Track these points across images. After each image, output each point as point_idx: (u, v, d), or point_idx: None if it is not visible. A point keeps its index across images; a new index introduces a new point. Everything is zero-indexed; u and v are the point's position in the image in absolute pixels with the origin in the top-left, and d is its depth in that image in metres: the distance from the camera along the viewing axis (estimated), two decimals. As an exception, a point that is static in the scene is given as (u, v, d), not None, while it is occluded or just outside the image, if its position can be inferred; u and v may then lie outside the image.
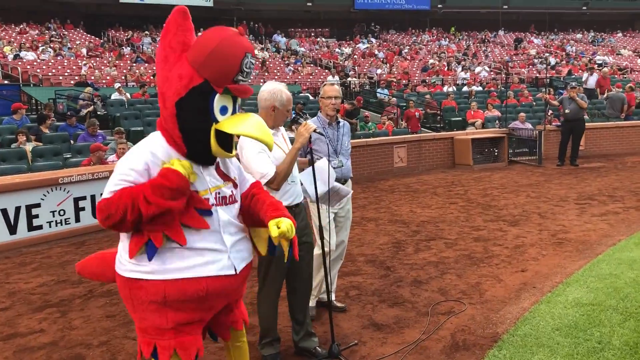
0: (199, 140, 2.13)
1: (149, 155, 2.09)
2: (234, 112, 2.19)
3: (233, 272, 2.26)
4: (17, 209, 6.77)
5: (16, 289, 5.24)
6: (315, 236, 3.84)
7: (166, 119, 2.14)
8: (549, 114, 15.23)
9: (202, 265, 2.16)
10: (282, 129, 3.54)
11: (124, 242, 2.21)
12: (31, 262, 6.14)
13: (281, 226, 2.24)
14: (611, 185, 9.79)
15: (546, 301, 4.41)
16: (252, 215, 2.40)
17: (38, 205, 6.95)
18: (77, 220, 7.34)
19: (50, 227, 7.06)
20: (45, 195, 7.01)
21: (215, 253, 2.22)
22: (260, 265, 3.45)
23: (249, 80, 2.19)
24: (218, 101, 2.10)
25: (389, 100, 19.06)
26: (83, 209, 7.39)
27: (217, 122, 2.12)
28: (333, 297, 4.46)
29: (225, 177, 2.32)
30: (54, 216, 7.10)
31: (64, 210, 7.19)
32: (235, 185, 2.37)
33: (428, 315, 4.26)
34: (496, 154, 12.97)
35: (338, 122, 4.26)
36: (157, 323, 2.16)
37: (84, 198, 7.39)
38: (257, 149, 3.24)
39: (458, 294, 4.71)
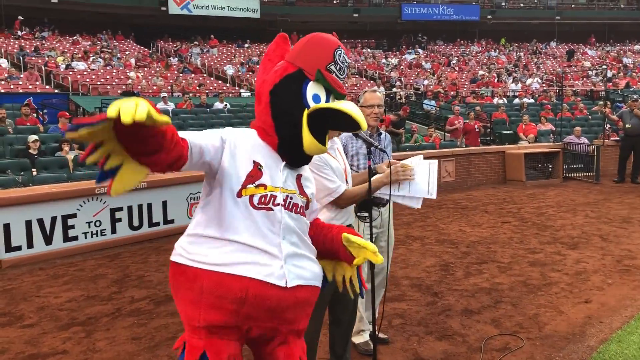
0: (291, 124, 2.04)
1: (236, 134, 2.05)
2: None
3: (282, 284, 1.96)
4: (53, 219, 6.65)
5: (45, 303, 5.05)
6: None
7: (260, 113, 2.12)
8: (607, 128, 14.43)
9: (248, 264, 1.93)
10: (337, 141, 3.15)
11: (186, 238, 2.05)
12: (64, 275, 5.97)
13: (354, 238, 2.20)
14: (679, 205, 9.04)
15: (617, 340, 3.90)
16: (318, 242, 2.24)
17: (74, 216, 6.81)
18: (113, 231, 7.18)
19: (85, 238, 6.92)
20: (81, 206, 6.87)
21: (266, 256, 1.96)
22: None
23: (344, 78, 2.16)
24: (311, 88, 2.07)
25: (436, 112, 18.52)
26: (119, 220, 7.22)
27: (309, 108, 2.04)
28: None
29: (302, 190, 2.15)
30: (89, 227, 6.95)
31: (100, 221, 7.04)
32: (307, 204, 2.15)
33: (481, 351, 3.81)
34: (550, 169, 12.30)
35: (379, 134, 3.87)
36: (190, 316, 1.96)
37: (120, 209, 7.22)
38: (322, 163, 2.91)
39: (514, 326, 4.24)
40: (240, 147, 2.00)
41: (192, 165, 1.87)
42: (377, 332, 3.36)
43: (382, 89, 22.90)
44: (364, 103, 3.76)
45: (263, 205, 1.97)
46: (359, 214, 3.54)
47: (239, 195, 1.96)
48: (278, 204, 2.00)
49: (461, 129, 14.95)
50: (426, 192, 3.10)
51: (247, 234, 1.94)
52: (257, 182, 1.97)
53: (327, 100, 2.08)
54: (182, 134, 1.82)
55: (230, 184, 1.95)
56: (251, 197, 1.96)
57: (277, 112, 2.06)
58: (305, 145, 2.02)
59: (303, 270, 2.05)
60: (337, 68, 2.11)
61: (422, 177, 3.13)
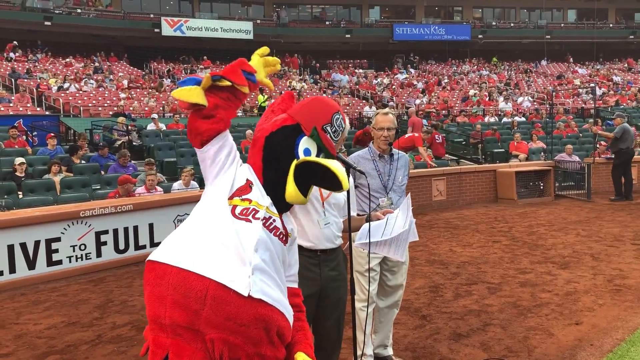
0: (279, 170, 2.13)
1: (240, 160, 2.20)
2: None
3: (244, 293, 1.92)
4: (37, 243, 6.54)
5: (24, 330, 4.92)
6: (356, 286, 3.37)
7: (252, 156, 2.22)
8: (598, 145, 14.45)
9: (215, 266, 1.93)
10: None
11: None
12: (45, 301, 5.85)
13: None
14: (671, 223, 9.00)
15: (607, 363, 3.81)
16: None
17: (58, 240, 6.71)
18: (99, 255, 7.07)
19: (70, 262, 6.80)
20: (65, 229, 6.77)
21: (236, 262, 1.95)
22: None
23: (338, 140, 2.28)
24: (304, 142, 2.18)
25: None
26: (105, 243, 7.12)
27: (298, 159, 2.14)
28: (390, 352, 3.99)
29: (282, 223, 2.19)
30: (74, 251, 6.84)
31: (84, 245, 6.93)
32: (286, 238, 2.19)
33: (469, 377, 3.72)
34: (542, 187, 12.27)
35: (392, 155, 3.83)
36: (157, 314, 1.93)
37: (106, 232, 7.12)
38: None
39: (503, 350, 4.15)
40: (242, 167, 2.17)
41: (215, 142, 2.10)
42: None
43: (373, 108, 22.92)
44: (375, 125, 3.75)
45: (243, 217, 2.03)
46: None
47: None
48: (258, 219, 2.05)
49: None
50: (387, 252, 3.04)
51: (222, 235, 1.97)
52: (244, 196, 2.07)
53: (318, 156, 2.18)
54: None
55: (224, 187, 2.07)
56: (234, 207, 2.04)
57: (268, 157, 2.18)
58: (287, 193, 2.10)
59: (269, 288, 2.01)
60: (333, 130, 2.23)
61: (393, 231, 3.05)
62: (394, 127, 3.73)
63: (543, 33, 37.31)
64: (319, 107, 2.26)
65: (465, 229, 9.17)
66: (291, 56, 33.65)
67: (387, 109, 3.88)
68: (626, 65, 35.86)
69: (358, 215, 3.52)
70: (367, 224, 2.96)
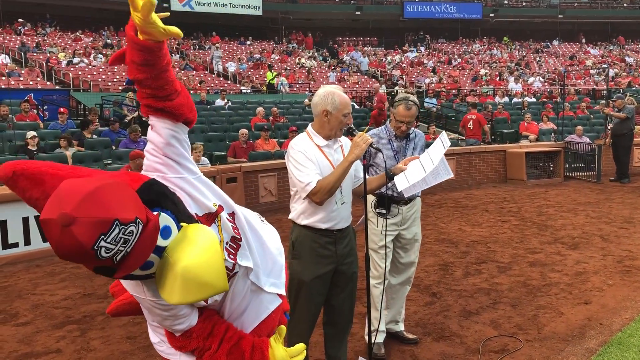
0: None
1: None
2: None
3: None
4: (51, 216, 6.61)
5: (41, 301, 5.03)
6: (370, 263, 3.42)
7: None
8: (609, 127, 14.35)
9: None
10: (344, 140, 3.11)
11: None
12: (61, 272, 5.94)
13: None
14: (681, 206, 8.98)
15: (616, 342, 3.85)
16: None
17: (72, 213, 6.77)
18: (111, 228, 7.14)
19: (83, 235, 6.88)
20: (79, 203, 6.83)
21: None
22: (290, 289, 3.03)
23: (131, 244, 1.44)
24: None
25: (437, 110, 18.44)
26: (117, 217, 7.18)
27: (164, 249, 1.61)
28: (402, 327, 4.06)
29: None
30: (87, 224, 6.91)
31: (98, 219, 7.00)
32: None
33: (479, 353, 3.77)
34: (551, 169, 12.24)
35: (408, 134, 3.83)
36: None
37: (118, 206, 7.18)
38: (302, 157, 2.91)
39: (513, 328, 4.20)
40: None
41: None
42: (373, 339, 3.32)
43: (383, 87, 22.80)
44: (395, 114, 3.73)
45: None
46: (377, 210, 3.57)
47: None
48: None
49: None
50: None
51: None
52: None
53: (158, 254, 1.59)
54: None
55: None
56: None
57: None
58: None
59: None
60: (121, 251, 1.42)
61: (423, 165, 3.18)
62: (413, 120, 3.74)
63: (556, 12, 36.79)
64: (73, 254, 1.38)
65: (474, 208, 9.19)
66: (304, 34, 33.37)
67: (410, 102, 3.69)
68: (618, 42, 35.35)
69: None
70: (402, 173, 3.17)
